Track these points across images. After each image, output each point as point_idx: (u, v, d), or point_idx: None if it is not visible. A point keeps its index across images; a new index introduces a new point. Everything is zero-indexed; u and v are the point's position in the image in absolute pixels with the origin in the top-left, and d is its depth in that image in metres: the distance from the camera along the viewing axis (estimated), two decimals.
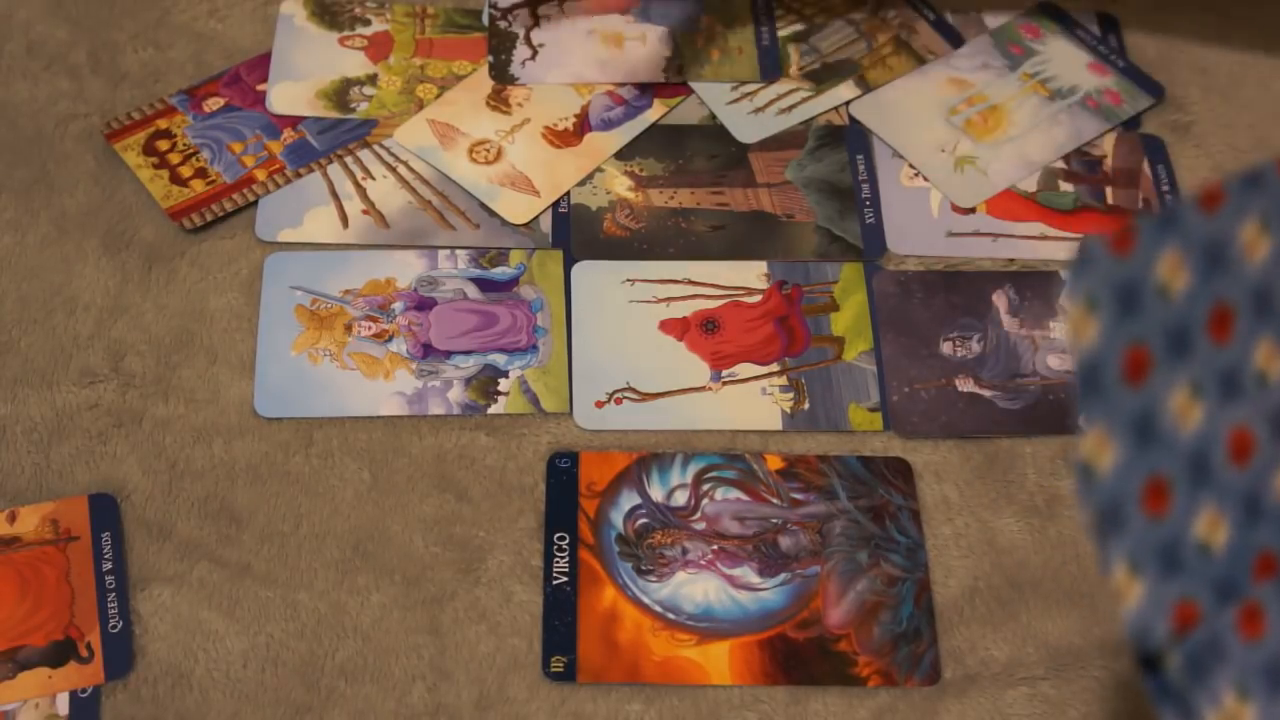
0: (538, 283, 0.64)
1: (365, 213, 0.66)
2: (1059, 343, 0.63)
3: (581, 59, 0.71)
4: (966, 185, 0.68)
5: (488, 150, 0.68)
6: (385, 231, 0.65)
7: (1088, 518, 0.32)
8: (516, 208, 0.66)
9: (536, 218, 0.66)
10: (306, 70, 0.70)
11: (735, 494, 0.59)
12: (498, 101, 0.69)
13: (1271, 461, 0.34)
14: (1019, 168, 0.68)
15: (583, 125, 0.69)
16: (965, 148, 0.69)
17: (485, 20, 0.72)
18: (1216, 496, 0.33)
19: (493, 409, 0.60)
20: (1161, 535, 0.32)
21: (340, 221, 0.65)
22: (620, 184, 0.67)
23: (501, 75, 0.70)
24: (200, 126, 0.68)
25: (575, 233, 0.66)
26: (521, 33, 0.71)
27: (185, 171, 0.67)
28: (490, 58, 0.71)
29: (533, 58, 0.71)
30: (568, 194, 0.67)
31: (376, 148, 0.68)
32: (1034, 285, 0.65)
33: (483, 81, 0.70)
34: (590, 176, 0.68)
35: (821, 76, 0.71)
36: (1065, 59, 0.72)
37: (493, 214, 0.66)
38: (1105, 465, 0.32)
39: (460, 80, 0.70)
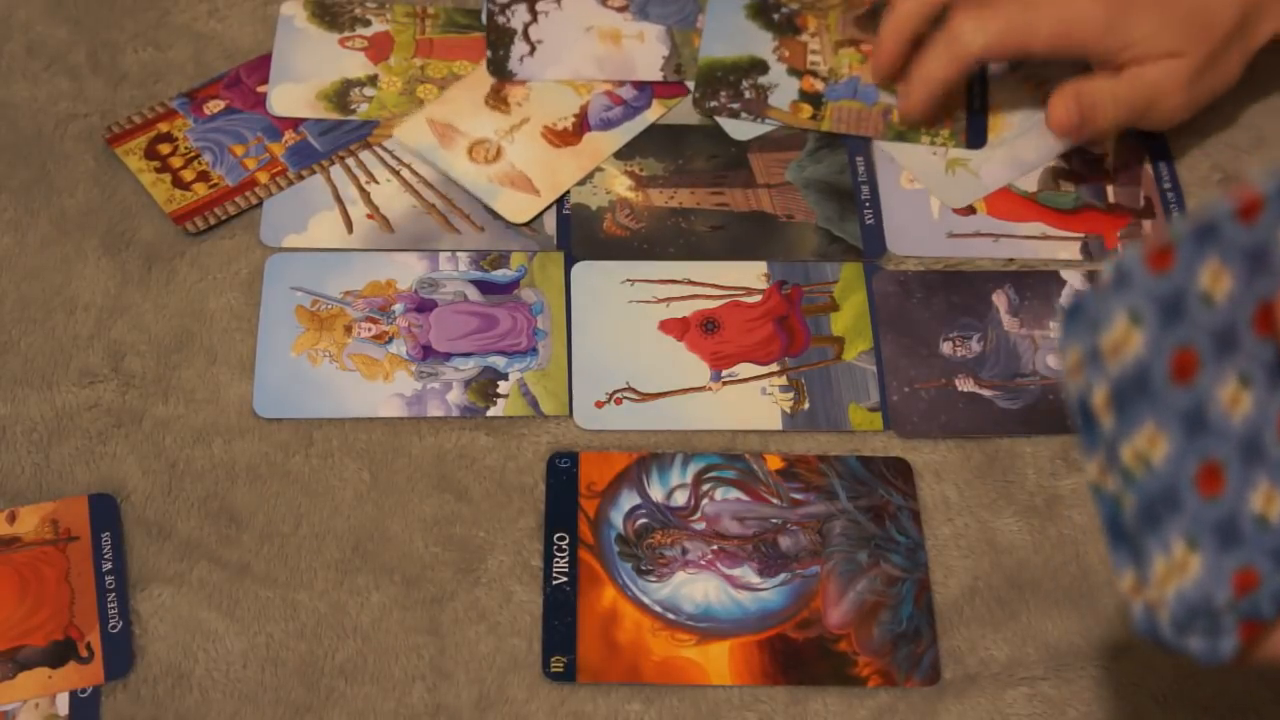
0: (538, 285, 0.64)
1: (370, 217, 0.66)
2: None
3: (579, 56, 0.71)
4: (957, 187, 0.67)
5: (487, 149, 0.68)
6: (390, 236, 0.65)
7: (1134, 509, 0.34)
8: (516, 207, 0.66)
9: (539, 218, 0.66)
10: (307, 71, 0.70)
11: (735, 494, 0.59)
12: (497, 101, 0.69)
13: None
14: (1011, 169, 0.68)
15: (582, 125, 0.69)
16: (957, 150, 0.68)
17: (485, 19, 0.72)
18: (1268, 473, 0.34)
19: (492, 411, 0.60)
20: (1218, 513, 0.34)
21: (345, 226, 0.65)
22: (620, 184, 0.67)
23: (499, 70, 0.70)
24: (201, 130, 0.68)
25: (575, 232, 0.66)
26: (519, 28, 0.71)
27: (187, 175, 0.67)
28: (488, 52, 0.71)
29: (531, 54, 0.71)
30: (567, 194, 0.67)
31: (378, 149, 0.68)
32: (1034, 285, 0.64)
33: (482, 80, 0.70)
34: (590, 176, 0.67)
35: None
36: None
37: (497, 217, 0.66)
38: (1158, 457, 0.33)
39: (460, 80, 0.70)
